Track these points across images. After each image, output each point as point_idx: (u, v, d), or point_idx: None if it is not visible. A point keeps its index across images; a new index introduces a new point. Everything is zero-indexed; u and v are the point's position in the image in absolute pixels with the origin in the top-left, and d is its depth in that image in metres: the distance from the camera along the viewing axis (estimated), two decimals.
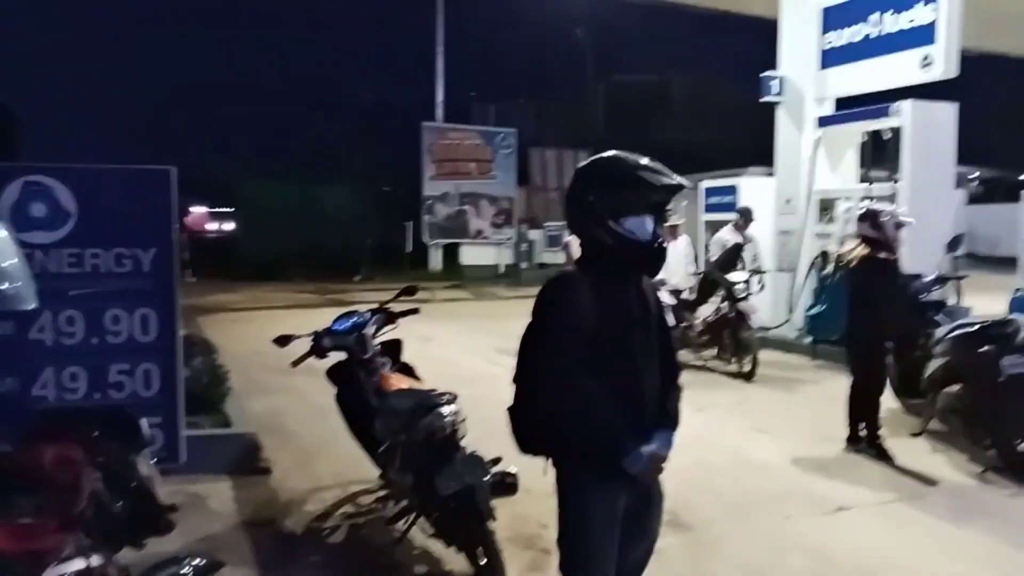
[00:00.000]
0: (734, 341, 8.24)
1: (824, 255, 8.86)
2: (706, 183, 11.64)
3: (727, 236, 9.02)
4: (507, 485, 3.45)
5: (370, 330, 4.22)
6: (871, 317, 5.25)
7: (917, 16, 8.46)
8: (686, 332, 8.57)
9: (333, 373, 4.32)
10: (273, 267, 19.52)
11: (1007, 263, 18.62)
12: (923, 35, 8.36)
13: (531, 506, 4.37)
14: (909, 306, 6.22)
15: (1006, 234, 22.91)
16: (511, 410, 2.47)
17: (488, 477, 3.34)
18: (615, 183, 2.35)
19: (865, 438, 5.45)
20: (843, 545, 3.93)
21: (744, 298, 8.13)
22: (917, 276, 6.63)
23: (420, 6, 24.00)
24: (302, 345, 4.17)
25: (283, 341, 4.13)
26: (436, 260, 22.17)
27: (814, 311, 5.57)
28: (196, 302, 12.19)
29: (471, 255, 22.29)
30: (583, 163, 2.51)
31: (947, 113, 8.74)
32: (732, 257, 8.51)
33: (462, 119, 24.12)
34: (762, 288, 8.90)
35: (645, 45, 33.98)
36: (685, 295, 8.82)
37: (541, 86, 34.21)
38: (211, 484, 4.64)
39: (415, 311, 4.58)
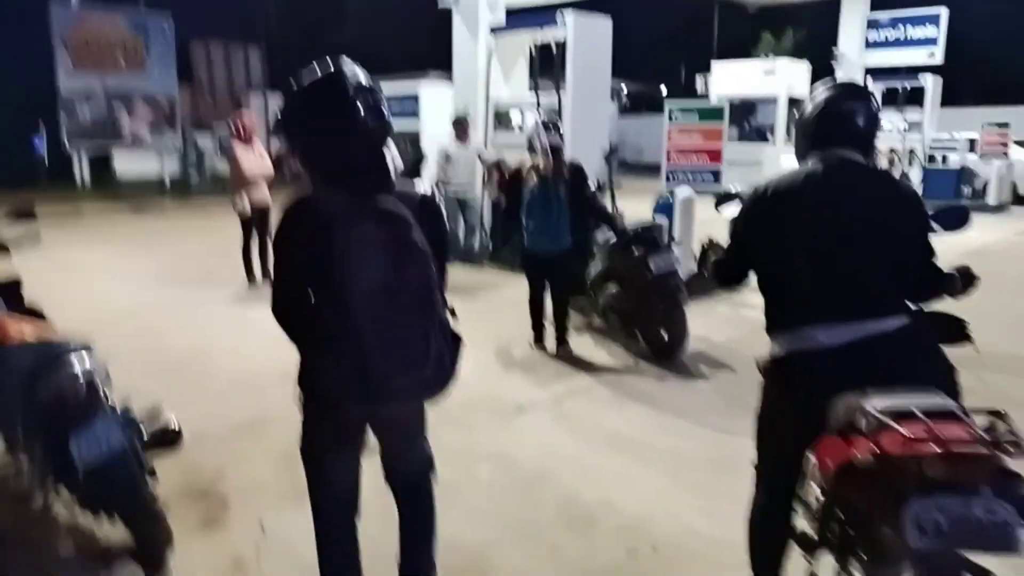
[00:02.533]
0: None
1: (498, 165, 9.19)
2: (385, 90, 11.28)
3: (451, 147, 8.98)
4: (170, 438, 3.03)
5: None
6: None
7: None
8: None
9: None
10: None
11: (652, 169, 21.38)
12: None
13: (206, 453, 3.97)
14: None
15: (649, 143, 26.36)
16: None
17: (143, 436, 2.88)
18: None
19: (556, 337, 5.83)
20: (524, 447, 4.15)
21: None
22: None
23: None
24: None
25: None
26: (83, 172, 19.00)
27: (532, 226, 5.63)
28: None
29: (128, 165, 19.48)
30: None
31: (604, 27, 9.33)
32: (414, 170, 8.43)
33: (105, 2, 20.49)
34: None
35: None
36: None
37: None
38: None
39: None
